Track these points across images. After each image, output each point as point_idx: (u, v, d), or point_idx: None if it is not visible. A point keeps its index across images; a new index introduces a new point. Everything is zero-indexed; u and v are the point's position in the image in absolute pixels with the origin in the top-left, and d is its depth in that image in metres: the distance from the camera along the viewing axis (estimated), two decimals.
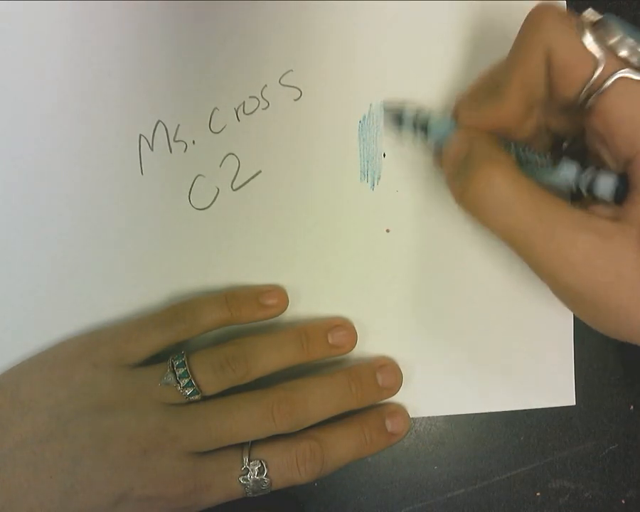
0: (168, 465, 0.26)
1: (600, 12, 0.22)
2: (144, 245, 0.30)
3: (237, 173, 0.30)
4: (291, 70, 0.30)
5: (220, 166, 0.30)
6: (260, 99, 0.30)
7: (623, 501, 0.32)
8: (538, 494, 0.32)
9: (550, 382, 0.31)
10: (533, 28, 0.23)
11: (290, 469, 0.27)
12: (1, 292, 0.30)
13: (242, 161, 0.30)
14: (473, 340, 0.31)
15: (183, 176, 0.30)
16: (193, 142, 0.30)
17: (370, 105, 0.30)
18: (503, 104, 0.24)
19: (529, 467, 0.32)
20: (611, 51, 0.21)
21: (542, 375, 0.31)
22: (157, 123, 0.30)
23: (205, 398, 0.28)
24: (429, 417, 0.32)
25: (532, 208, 0.21)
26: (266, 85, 0.30)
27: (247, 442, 0.28)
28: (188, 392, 0.27)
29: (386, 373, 0.30)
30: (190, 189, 0.30)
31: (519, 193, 0.21)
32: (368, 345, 0.31)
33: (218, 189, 0.30)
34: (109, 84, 0.30)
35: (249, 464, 0.27)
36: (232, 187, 0.30)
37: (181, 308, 0.29)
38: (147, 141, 0.30)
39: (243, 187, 0.30)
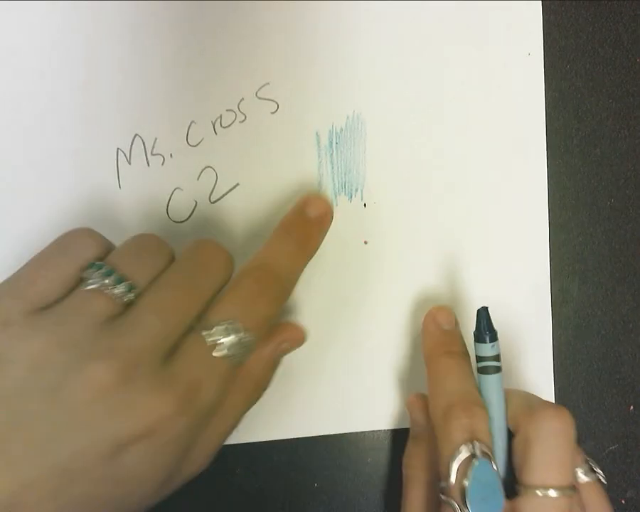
0: (146, 386, 0.22)
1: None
2: None
3: (214, 186, 0.30)
4: (268, 83, 0.30)
5: (198, 179, 0.30)
6: (237, 112, 0.30)
7: (623, 501, 0.32)
8: None
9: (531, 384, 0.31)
10: None
11: (255, 306, 0.25)
12: None
13: (220, 174, 0.30)
14: None
15: (160, 189, 0.30)
16: (171, 155, 0.30)
17: (347, 117, 0.30)
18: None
19: None
20: None
21: (523, 378, 0.31)
22: (134, 136, 0.30)
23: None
24: None
25: None
26: (243, 98, 0.30)
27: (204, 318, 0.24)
28: (121, 289, 0.23)
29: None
30: (168, 202, 0.30)
31: None
32: (345, 361, 0.31)
33: (196, 202, 0.30)
34: (86, 99, 0.30)
35: (217, 335, 0.24)
36: (210, 200, 0.30)
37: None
38: (125, 154, 0.30)
39: (221, 200, 0.30)
